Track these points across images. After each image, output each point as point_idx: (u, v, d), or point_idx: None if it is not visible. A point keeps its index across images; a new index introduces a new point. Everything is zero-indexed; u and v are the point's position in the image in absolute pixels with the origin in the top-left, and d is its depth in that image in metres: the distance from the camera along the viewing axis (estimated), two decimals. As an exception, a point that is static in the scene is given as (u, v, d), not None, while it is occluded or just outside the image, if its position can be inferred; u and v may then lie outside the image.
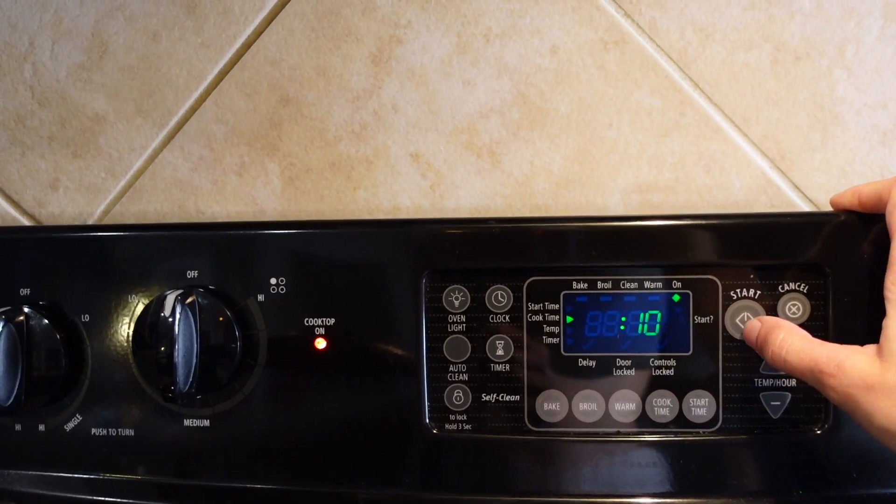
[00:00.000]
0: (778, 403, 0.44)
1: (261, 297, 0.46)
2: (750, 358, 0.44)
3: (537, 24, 0.51)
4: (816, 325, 0.44)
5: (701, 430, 0.45)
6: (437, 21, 0.51)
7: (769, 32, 0.49)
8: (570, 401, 0.46)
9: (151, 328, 0.44)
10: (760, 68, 0.50)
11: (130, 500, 0.48)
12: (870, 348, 0.37)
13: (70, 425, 0.48)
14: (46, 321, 0.47)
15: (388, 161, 0.52)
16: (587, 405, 0.46)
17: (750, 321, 0.43)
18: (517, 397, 0.46)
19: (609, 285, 0.45)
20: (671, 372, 0.45)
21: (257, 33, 0.53)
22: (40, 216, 0.55)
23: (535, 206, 0.51)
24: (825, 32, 0.49)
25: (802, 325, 0.43)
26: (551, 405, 0.46)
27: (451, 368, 0.46)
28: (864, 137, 0.49)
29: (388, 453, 0.46)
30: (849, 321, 0.43)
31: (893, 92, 0.49)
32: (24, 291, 0.48)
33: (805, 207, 0.50)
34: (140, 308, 0.47)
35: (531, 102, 0.51)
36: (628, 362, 0.45)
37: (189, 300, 0.44)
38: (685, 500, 0.45)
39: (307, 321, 0.46)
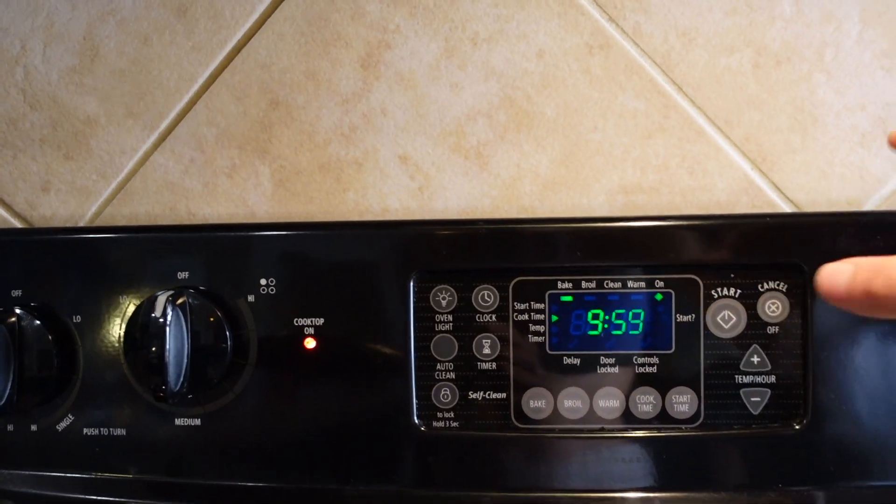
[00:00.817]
0: (758, 399, 0.45)
1: (251, 298, 0.47)
2: (730, 355, 0.45)
3: (524, 29, 0.51)
4: (795, 324, 0.45)
5: (683, 426, 0.46)
6: (424, 26, 0.52)
7: (751, 37, 0.50)
8: (555, 398, 0.46)
9: (142, 329, 0.45)
10: (742, 72, 0.51)
11: (122, 499, 0.49)
12: None
13: (62, 425, 0.49)
14: (38, 322, 0.47)
15: (377, 163, 0.53)
16: (572, 402, 0.46)
17: (828, 267, 0.31)
18: (503, 395, 0.47)
19: (593, 285, 0.46)
20: (654, 369, 0.46)
21: (247, 37, 0.53)
22: (32, 218, 0.56)
23: (521, 207, 0.52)
24: (805, 37, 0.50)
25: (782, 324, 0.45)
26: (537, 402, 0.46)
27: (438, 367, 0.47)
28: (844, 139, 0.50)
29: (377, 451, 0.47)
30: (827, 319, 0.44)
31: (872, 94, 0.50)
32: (16, 293, 0.48)
33: (786, 208, 0.51)
34: (131, 309, 0.47)
35: (518, 106, 0.52)
36: (612, 360, 0.46)
37: (180, 301, 0.45)
38: (669, 495, 0.46)
39: (297, 321, 0.47)
